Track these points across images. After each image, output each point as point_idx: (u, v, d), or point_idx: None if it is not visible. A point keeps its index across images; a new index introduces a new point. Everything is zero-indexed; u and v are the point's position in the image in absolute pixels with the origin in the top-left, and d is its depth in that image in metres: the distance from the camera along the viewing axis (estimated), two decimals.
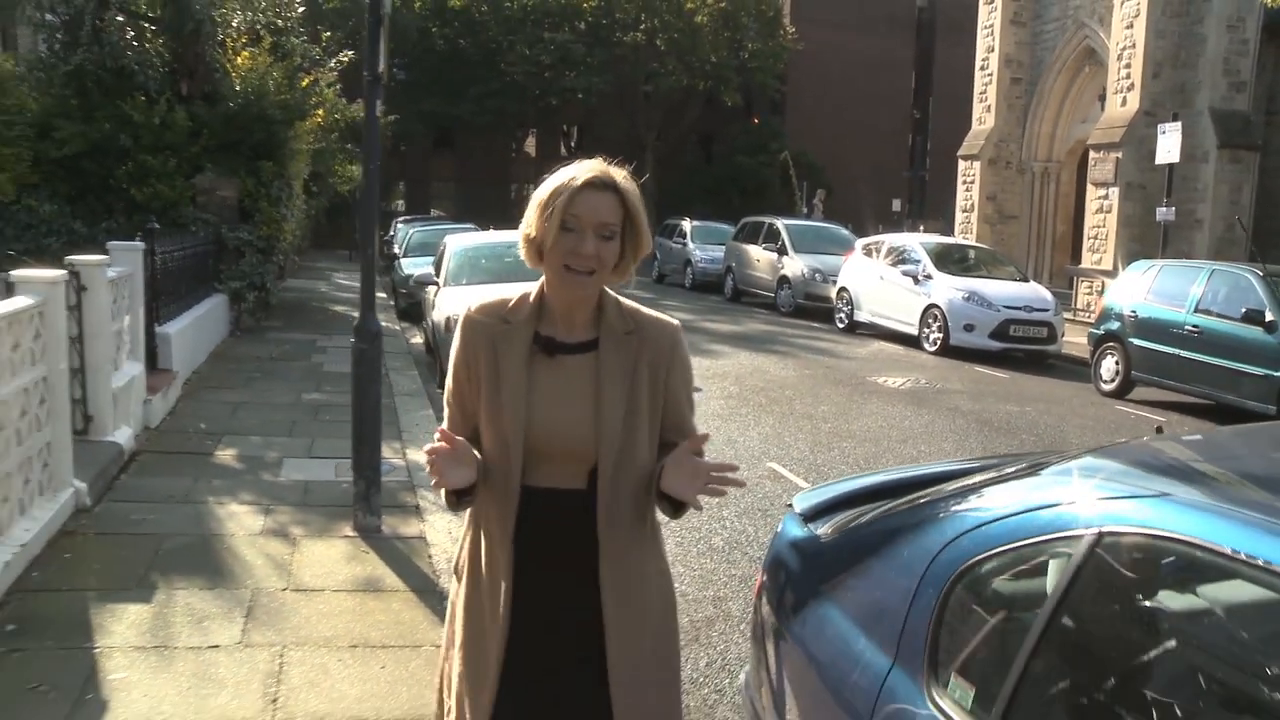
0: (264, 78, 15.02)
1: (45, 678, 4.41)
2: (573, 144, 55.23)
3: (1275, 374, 10.99)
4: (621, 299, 2.50)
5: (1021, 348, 16.24)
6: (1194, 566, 1.95)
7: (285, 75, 15.50)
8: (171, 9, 14.11)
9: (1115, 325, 13.46)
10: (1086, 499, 2.20)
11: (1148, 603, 2.09)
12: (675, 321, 2.53)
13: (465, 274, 12.87)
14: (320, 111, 17.46)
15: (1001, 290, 16.66)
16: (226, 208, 14.88)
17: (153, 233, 10.19)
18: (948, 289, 16.73)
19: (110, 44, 13.99)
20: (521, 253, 2.42)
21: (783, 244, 22.61)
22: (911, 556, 2.59)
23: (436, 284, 13.19)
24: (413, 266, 18.53)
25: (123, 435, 7.94)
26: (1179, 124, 18.01)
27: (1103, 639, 2.11)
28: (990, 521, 2.41)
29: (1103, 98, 23.43)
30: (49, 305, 6.22)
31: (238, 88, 14.82)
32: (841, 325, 19.52)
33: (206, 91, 14.80)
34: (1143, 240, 20.29)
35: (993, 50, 27.17)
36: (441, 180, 54.06)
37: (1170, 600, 2.08)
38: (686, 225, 29.05)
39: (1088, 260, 21.75)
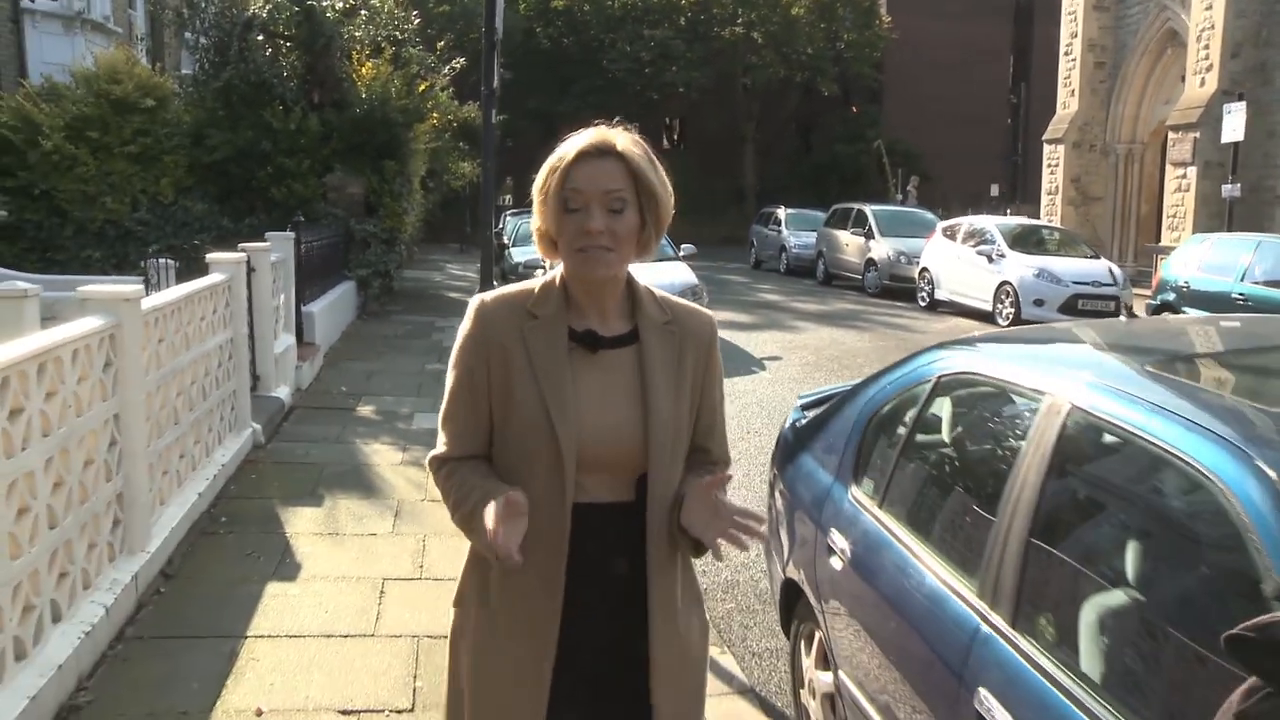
0: (386, 85, 16.66)
1: (255, 548, 5.98)
2: (675, 136, 56.57)
3: None
4: (652, 288, 2.26)
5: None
6: (988, 387, 3.26)
7: (404, 82, 17.14)
8: (305, 28, 15.86)
9: (1171, 296, 14.36)
10: (938, 358, 3.51)
11: (958, 413, 3.41)
12: (709, 313, 2.32)
13: None
14: (435, 114, 19.13)
15: (1070, 267, 17.56)
16: (354, 203, 16.58)
17: (299, 225, 11.87)
18: (1019, 266, 17.69)
19: (253, 61, 15.79)
20: (537, 248, 2.19)
21: (869, 228, 23.68)
22: (849, 414, 3.93)
23: (543, 267, 14.68)
24: (521, 255, 20.08)
25: (283, 392, 9.58)
26: (1244, 104, 18.65)
27: (931, 439, 3.44)
28: (890, 383, 3.74)
29: (1185, 79, 23.96)
30: (234, 281, 7.82)
31: (363, 95, 16.49)
32: (923, 304, 20.54)
33: (335, 99, 16.49)
34: (1220, 217, 20.86)
35: (1076, 35, 27.78)
36: None
37: (969, 408, 3.39)
38: (781, 213, 30.21)
39: (1167, 238, 22.36)
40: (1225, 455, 2.07)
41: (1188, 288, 13.96)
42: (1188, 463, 2.15)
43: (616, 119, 2.19)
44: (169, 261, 11.75)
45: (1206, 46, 22.10)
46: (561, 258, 2.13)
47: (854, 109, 52.57)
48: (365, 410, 9.89)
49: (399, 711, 4.21)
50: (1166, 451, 2.23)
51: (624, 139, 2.12)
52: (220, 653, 4.66)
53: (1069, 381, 2.69)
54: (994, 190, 44.86)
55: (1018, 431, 2.79)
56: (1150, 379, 2.64)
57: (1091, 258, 18.75)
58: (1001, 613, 2.56)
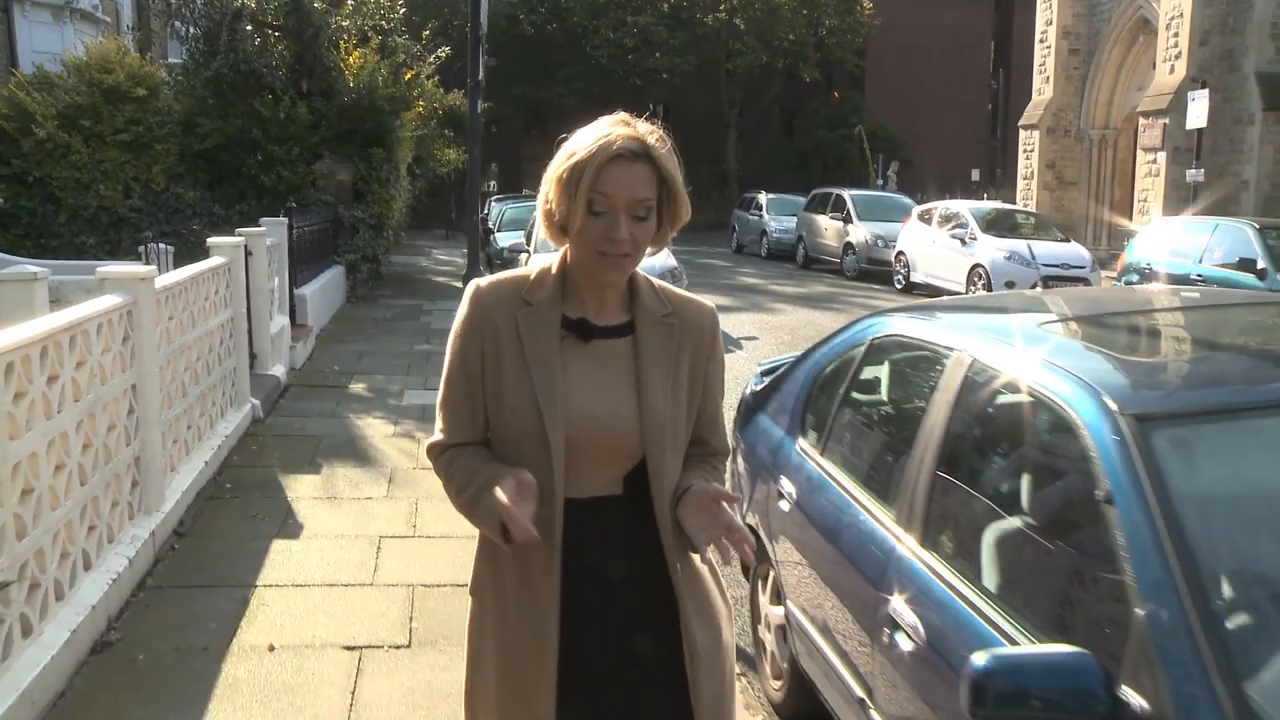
0: (373, 74, 17.03)
1: (258, 510, 6.44)
2: (659, 122, 56.68)
3: None
4: (653, 279, 2.24)
5: None
6: (911, 347, 3.74)
7: (391, 71, 17.51)
8: (294, 18, 16.22)
9: (1135, 278, 14.87)
10: (872, 324, 3.99)
11: (886, 369, 3.89)
12: (711, 305, 2.29)
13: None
14: (421, 102, 19.52)
15: (1041, 249, 18.06)
16: (343, 190, 16.96)
17: (292, 211, 12.30)
18: (991, 249, 18.21)
19: (242, 51, 16.14)
20: (542, 230, 2.16)
21: (848, 213, 24.18)
22: (798, 376, 4.41)
23: (527, 251, 15.17)
24: (505, 239, 20.51)
25: (278, 370, 10.02)
26: (1207, 91, 19.19)
27: (864, 393, 3.92)
28: (832, 348, 4.22)
29: (1156, 66, 24.47)
30: (234, 264, 8.25)
31: (350, 84, 16.86)
32: (899, 286, 21.03)
33: (324, 88, 16.85)
34: (1189, 201, 21.39)
35: (1051, 23, 28.30)
36: (532, 161, 56.08)
37: (896, 365, 3.88)
38: (762, 198, 30.69)
39: (1138, 221, 22.87)
40: (1080, 391, 2.55)
41: (1150, 269, 14.48)
42: (1053, 399, 2.62)
43: (635, 115, 2.14)
44: (166, 246, 12.17)
45: (1176, 35, 22.62)
46: (573, 249, 2.09)
47: (836, 95, 52.99)
48: (357, 388, 10.33)
49: (397, 647, 4.68)
50: (1039, 391, 2.70)
51: (653, 137, 2.06)
52: (233, 599, 5.12)
53: (972, 338, 3.16)
54: (974, 175, 45.38)
55: (932, 382, 3.26)
56: (1039, 334, 3.12)
57: (1062, 241, 19.27)
58: (913, 534, 3.04)
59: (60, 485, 4.43)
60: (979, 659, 2.07)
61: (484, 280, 2.19)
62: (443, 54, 19.91)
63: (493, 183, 49.39)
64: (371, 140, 17.08)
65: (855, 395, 3.91)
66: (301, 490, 6.89)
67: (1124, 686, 2.06)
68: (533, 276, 2.16)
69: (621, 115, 2.10)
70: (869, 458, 3.61)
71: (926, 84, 53.57)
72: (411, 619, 4.96)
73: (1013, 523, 2.74)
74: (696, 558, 2.20)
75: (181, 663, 4.49)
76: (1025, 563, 2.65)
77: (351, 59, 17.18)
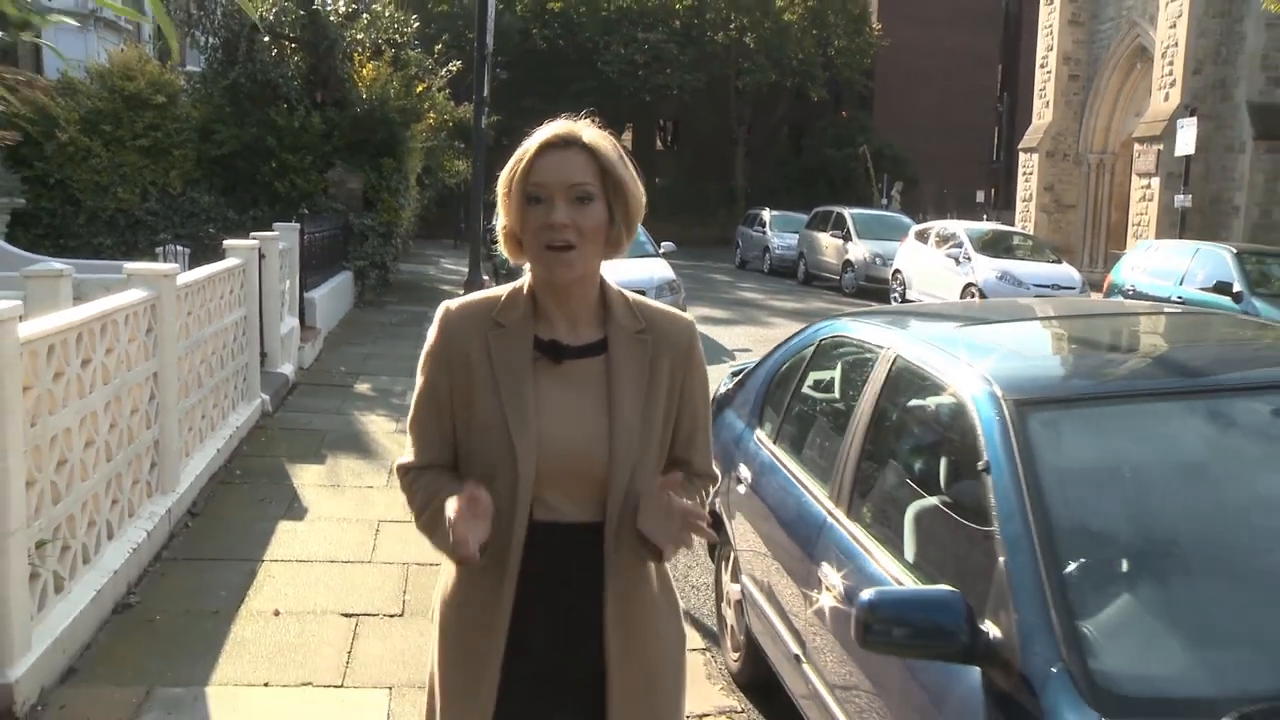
0: (385, 86, 17.55)
1: (267, 496, 6.89)
2: (668, 138, 57.50)
3: None
4: (627, 293, 2.20)
5: None
6: (850, 346, 4.18)
7: (403, 84, 18.04)
8: (310, 30, 16.77)
9: (1118, 299, 15.30)
10: (822, 326, 4.43)
11: (830, 366, 4.34)
12: (689, 317, 2.26)
13: None
14: (432, 115, 20.04)
15: (1032, 270, 18.51)
16: (353, 198, 17.46)
17: (304, 217, 12.77)
18: (985, 269, 18.64)
19: (259, 61, 16.68)
20: (503, 249, 2.15)
21: (848, 231, 24.63)
22: (759, 374, 4.86)
23: None
24: None
25: (287, 369, 10.48)
26: (1195, 119, 19.66)
27: (811, 387, 4.37)
28: (789, 348, 4.67)
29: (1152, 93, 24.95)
30: (248, 266, 8.71)
31: (363, 95, 17.38)
32: (895, 304, 21.48)
33: (337, 99, 17.37)
34: (1182, 226, 21.82)
35: (1052, 49, 28.81)
36: None
37: (838, 362, 4.32)
38: (766, 215, 31.14)
39: (1131, 245, 23.36)
40: (976, 380, 2.98)
41: (1133, 291, 14.90)
42: (954, 387, 3.06)
43: (586, 111, 2.19)
44: (182, 248, 12.66)
45: (1171, 63, 23.09)
46: (527, 258, 2.08)
47: (844, 114, 53.50)
48: (362, 388, 10.78)
49: (391, 616, 5.12)
50: (944, 381, 3.15)
51: (590, 131, 2.07)
52: (241, 571, 5.57)
53: (899, 337, 3.61)
54: (979, 196, 45.86)
55: (864, 375, 3.70)
56: (955, 335, 3.56)
57: (1054, 262, 19.70)
58: (841, 507, 3.48)
59: (89, 459, 4.88)
60: (866, 595, 2.50)
61: (454, 302, 2.19)
62: (454, 68, 20.45)
63: None
64: (382, 150, 17.58)
65: (804, 389, 4.36)
66: (307, 478, 7.34)
67: (986, 620, 2.49)
68: (504, 297, 2.14)
69: (563, 118, 2.11)
70: (811, 443, 4.06)
71: (933, 105, 54.07)
72: (405, 592, 5.40)
73: (920, 492, 3.18)
74: (654, 587, 2.17)
75: (194, 624, 4.93)
76: (926, 525, 3.09)
77: (365, 71, 17.71)
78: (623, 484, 2.06)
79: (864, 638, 2.48)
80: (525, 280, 2.15)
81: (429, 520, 2.10)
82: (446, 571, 2.22)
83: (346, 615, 5.09)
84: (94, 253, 15.97)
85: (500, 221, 2.11)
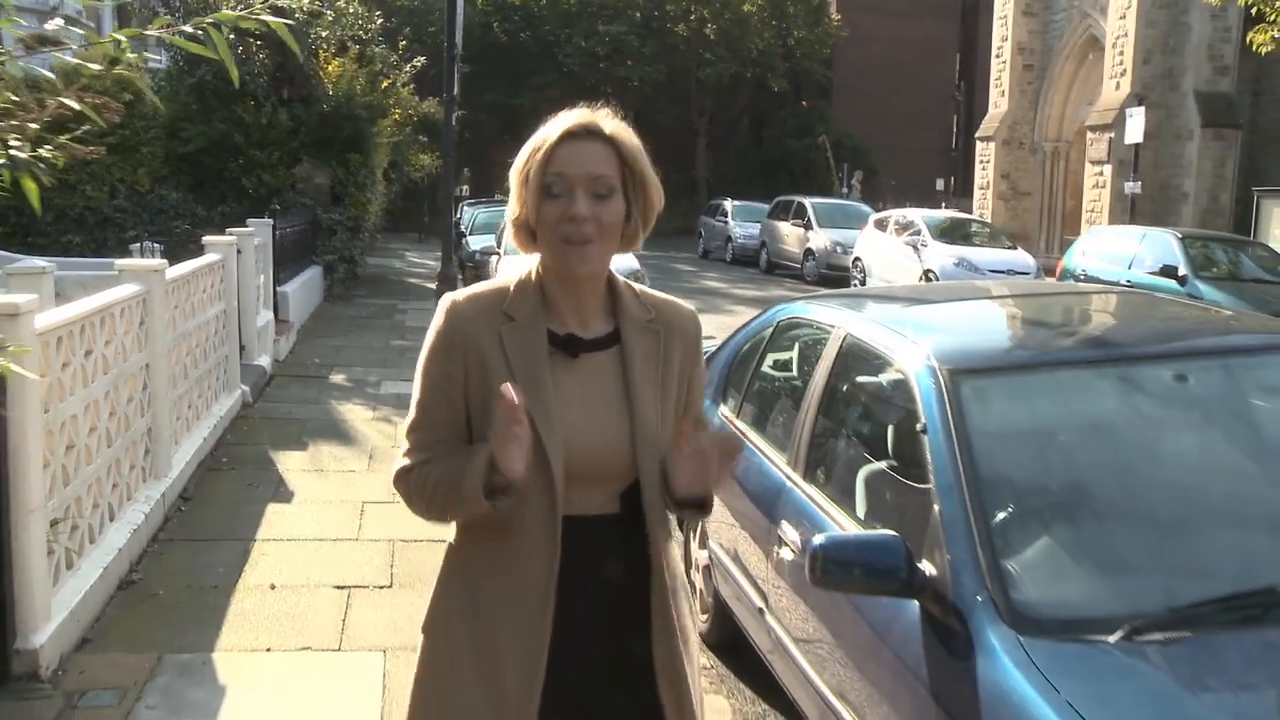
0: (351, 82, 17.77)
1: (254, 480, 7.19)
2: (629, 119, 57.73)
3: None
4: (633, 283, 2.17)
5: None
6: (805, 326, 4.55)
7: (368, 80, 18.26)
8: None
9: (1069, 282, 15.80)
10: (780, 309, 4.80)
11: (787, 344, 4.71)
12: (692, 307, 2.25)
13: None
14: (397, 110, 20.26)
15: (988, 256, 19.02)
16: (321, 193, 17.66)
17: (276, 213, 13.01)
18: (942, 256, 19.12)
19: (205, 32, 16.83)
20: (511, 239, 2.09)
21: (809, 220, 25.07)
22: (723, 354, 5.22)
23: (498, 254, 15.92)
24: (477, 243, 21.24)
25: (264, 361, 10.74)
26: (1143, 108, 20.24)
27: (770, 364, 4.74)
28: (750, 329, 5.03)
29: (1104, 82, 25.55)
30: (227, 260, 8.98)
31: (330, 92, 17.59)
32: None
33: (304, 95, 17.56)
34: (1133, 211, 22.42)
35: (1006, 39, 29.40)
36: (504, 166, 55.86)
37: (794, 341, 4.69)
38: (728, 205, 31.56)
39: (1085, 231, 23.94)
40: (915, 353, 3.35)
41: (1084, 275, 15.40)
42: (897, 360, 3.43)
43: (600, 102, 2.10)
44: (155, 245, 12.86)
45: (1121, 53, 23.68)
46: (541, 249, 2.03)
47: (804, 104, 54.00)
48: (338, 378, 11.06)
49: (381, 587, 5.45)
50: (887, 353, 3.51)
51: (611, 121, 2.02)
52: (236, 550, 5.87)
53: (849, 317, 3.97)
54: (939, 185, 46.42)
55: (818, 353, 4.07)
56: (899, 314, 3.93)
57: (1009, 249, 20.23)
58: (798, 471, 3.84)
59: (93, 445, 5.18)
60: (817, 539, 2.86)
61: (459, 294, 2.11)
62: (418, 64, 20.69)
63: (465, 187, 49.98)
64: (349, 146, 17.79)
65: (764, 368, 4.72)
66: (291, 464, 7.63)
67: (922, 560, 2.85)
68: (511, 288, 2.07)
69: (583, 107, 2.05)
70: (770, 416, 4.42)
71: (893, 95, 54.63)
72: (393, 566, 5.72)
73: (868, 456, 3.55)
74: (674, 568, 2.16)
75: (196, 598, 5.24)
76: (875, 485, 3.46)
77: (330, 68, 17.91)
78: (653, 475, 2.04)
79: (816, 577, 2.84)
80: (532, 271, 2.09)
81: (448, 490, 2.00)
82: (444, 586, 2.16)
83: (339, 588, 5.40)
84: (63, 250, 16.05)
85: (511, 211, 2.06)
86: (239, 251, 9.79)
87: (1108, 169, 23.52)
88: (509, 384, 1.87)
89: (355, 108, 17.71)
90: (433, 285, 17.35)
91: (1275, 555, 2.76)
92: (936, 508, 2.90)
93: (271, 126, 16.99)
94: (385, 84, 19.08)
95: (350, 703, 4.25)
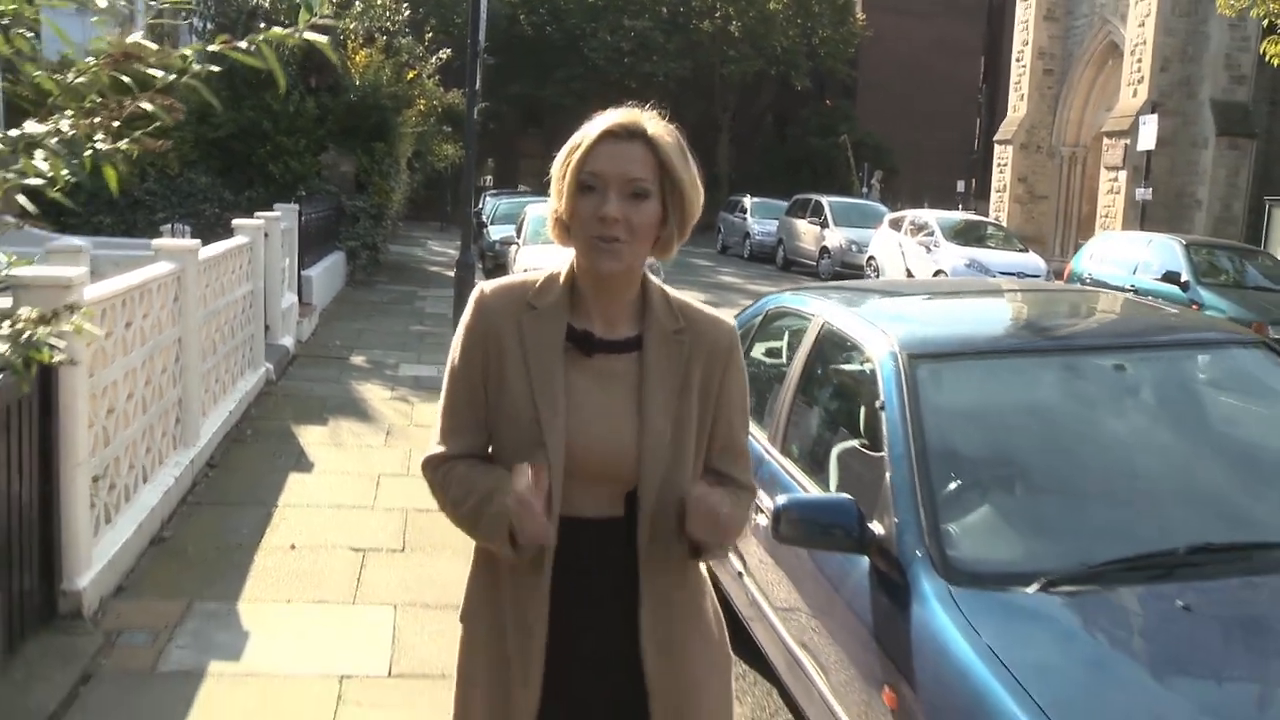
0: (377, 73, 18.19)
1: (277, 451, 7.59)
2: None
3: None
4: (669, 291, 2.13)
5: None
6: (790, 315, 4.90)
7: (394, 70, 18.68)
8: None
9: (1077, 287, 16.06)
10: (769, 299, 5.15)
11: (774, 332, 5.06)
12: (731, 320, 2.20)
13: (541, 236, 15.94)
14: (422, 100, 20.68)
15: (999, 258, 19.28)
16: (346, 181, 18.09)
17: (302, 199, 13.43)
18: (954, 256, 19.40)
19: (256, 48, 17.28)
20: (550, 233, 2.10)
21: (825, 218, 25.38)
22: None
23: (517, 244, 16.32)
24: (497, 233, 21.64)
25: (288, 341, 11.16)
26: (1156, 116, 20.48)
27: (759, 350, 5.10)
28: (742, 318, 5.39)
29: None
30: (255, 243, 9.38)
31: (356, 82, 18.01)
32: None
33: (331, 85, 17.99)
34: (1148, 217, 22.64)
35: (1027, 44, 29.61)
36: (529, 157, 57.33)
37: (781, 328, 5.04)
38: (747, 201, 31.89)
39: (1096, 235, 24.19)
40: (880, 339, 3.70)
41: (1090, 279, 15.66)
42: (863, 345, 3.78)
43: (649, 104, 2.10)
44: (185, 227, 13.30)
45: (1139, 60, 23.89)
46: (575, 246, 2.03)
47: (828, 103, 54.22)
48: (358, 360, 11.47)
49: (394, 551, 5.83)
50: (857, 341, 3.87)
51: (654, 123, 2.00)
52: (260, 513, 6.27)
53: (827, 306, 4.33)
54: (960, 186, 46.60)
55: (799, 339, 4.42)
56: (873, 305, 4.29)
57: (1020, 251, 20.49)
58: (776, 445, 4.20)
59: (130, 410, 5.58)
60: (779, 499, 3.21)
61: (489, 285, 2.13)
62: (443, 56, 21.10)
63: (488, 177, 50.43)
64: (374, 135, 18.21)
65: (752, 352, 5.08)
66: (311, 438, 8.03)
67: (873, 521, 3.21)
68: (540, 281, 2.09)
69: (627, 107, 2.05)
70: (757, 396, 4.78)
71: (917, 95, 54.79)
72: (405, 532, 6.10)
73: (838, 430, 3.91)
74: (691, 590, 2.15)
75: (222, 555, 5.63)
76: (844, 457, 3.81)
77: (358, 58, 18.33)
78: (655, 485, 2.02)
79: (779, 534, 3.19)
80: (564, 266, 2.10)
81: (471, 510, 2.03)
82: (473, 576, 2.19)
83: (355, 549, 5.79)
84: (94, 231, 16.47)
85: (550, 204, 2.07)
86: (266, 235, 10.19)
87: (1123, 175, 23.74)
88: (529, 465, 1.92)
89: (381, 98, 18.12)
90: (452, 274, 17.77)
91: (1181, 522, 3.10)
92: (888, 475, 3.26)
93: (299, 115, 17.41)
94: (411, 75, 19.50)
95: (362, 650, 4.63)
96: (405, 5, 21.40)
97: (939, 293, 4.82)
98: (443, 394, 2.13)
